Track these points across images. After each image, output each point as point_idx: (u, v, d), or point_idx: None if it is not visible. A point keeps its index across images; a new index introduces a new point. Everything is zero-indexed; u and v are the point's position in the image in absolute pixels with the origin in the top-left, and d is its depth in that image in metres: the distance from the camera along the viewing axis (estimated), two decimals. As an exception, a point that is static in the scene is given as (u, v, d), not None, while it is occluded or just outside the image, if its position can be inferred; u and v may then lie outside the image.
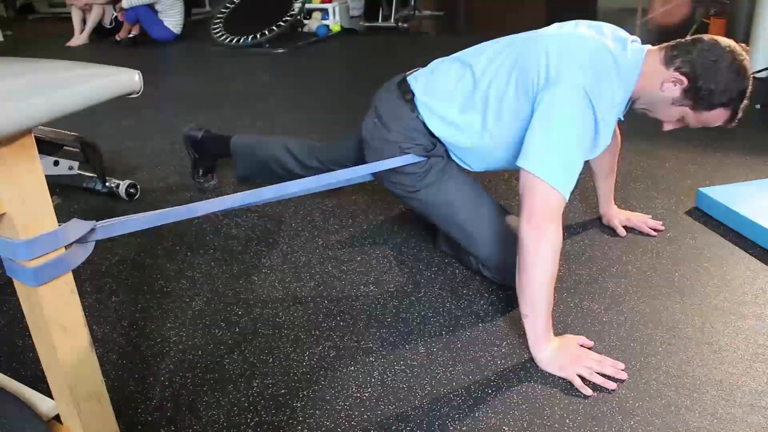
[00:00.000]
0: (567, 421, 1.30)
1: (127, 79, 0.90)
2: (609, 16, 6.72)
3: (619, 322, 1.61)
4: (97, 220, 1.10)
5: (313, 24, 6.49)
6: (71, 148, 2.30)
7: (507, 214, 1.78)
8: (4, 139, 0.81)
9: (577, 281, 1.80)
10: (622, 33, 1.65)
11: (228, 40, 5.76)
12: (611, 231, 2.07)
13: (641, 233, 2.05)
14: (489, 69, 1.65)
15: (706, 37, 1.55)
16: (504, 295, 1.74)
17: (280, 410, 1.36)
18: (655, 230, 2.06)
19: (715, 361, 1.46)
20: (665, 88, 1.56)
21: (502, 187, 2.42)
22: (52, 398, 1.11)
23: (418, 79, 1.79)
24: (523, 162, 1.47)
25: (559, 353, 1.45)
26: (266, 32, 5.68)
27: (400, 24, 6.61)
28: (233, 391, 1.42)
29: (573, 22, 1.70)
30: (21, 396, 1.18)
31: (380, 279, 1.84)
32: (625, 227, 2.07)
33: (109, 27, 6.55)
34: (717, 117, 1.58)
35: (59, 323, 0.95)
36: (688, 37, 1.57)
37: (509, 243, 1.67)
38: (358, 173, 1.76)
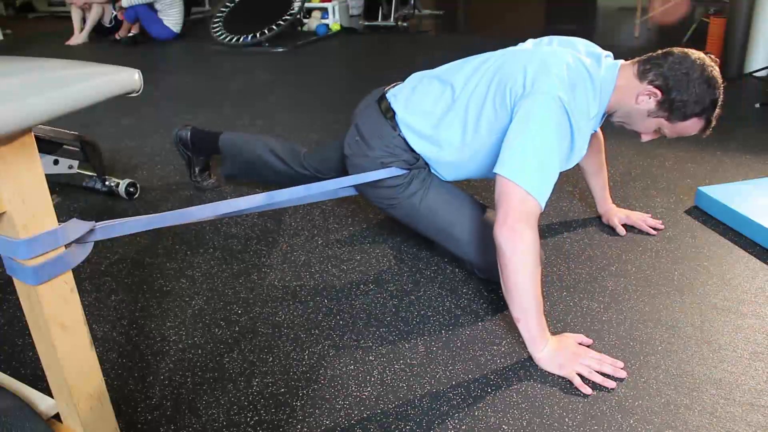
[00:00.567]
0: (566, 419, 1.30)
1: (127, 78, 0.90)
2: (608, 15, 6.72)
3: (618, 320, 1.61)
4: (96, 220, 1.10)
5: (312, 23, 6.48)
6: (71, 147, 2.30)
7: (489, 210, 1.79)
8: (4, 137, 0.81)
9: (577, 280, 1.80)
10: (596, 49, 1.71)
11: (228, 39, 5.76)
12: (610, 230, 2.07)
13: (641, 232, 2.05)
14: (468, 85, 1.69)
15: (676, 50, 1.61)
16: (503, 294, 1.73)
17: (280, 409, 1.36)
18: (654, 229, 2.06)
19: (714, 359, 1.47)
20: (640, 100, 1.61)
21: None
22: (52, 397, 1.11)
23: (398, 97, 1.81)
24: (499, 168, 1.49)
25: (558, 352, 1.45)
26: (266, 31, 5.68)
27: (399, 23, 6.60)
28: (233, 389, 1.42)
29: (547, 38, 1.78)
30: (21, 395, 1.19)
31: (380, 278, 1.84)
32: (624, 226, 2.07)
33: (108, 26, 6.54)
34: (692, 126, 1.64)
35: (59, 322, 0.95)
36: (659, 51, 1.63)
37: (492, 241, 1.68)
38: (345, 183, 1.77)
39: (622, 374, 1.41)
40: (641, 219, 2.08)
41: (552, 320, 1.62)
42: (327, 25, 6.38)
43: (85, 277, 1.90)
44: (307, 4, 6.39)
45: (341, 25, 6.46)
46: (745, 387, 1.38)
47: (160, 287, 1.84)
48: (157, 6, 6.15)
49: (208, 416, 1.35)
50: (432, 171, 1.83)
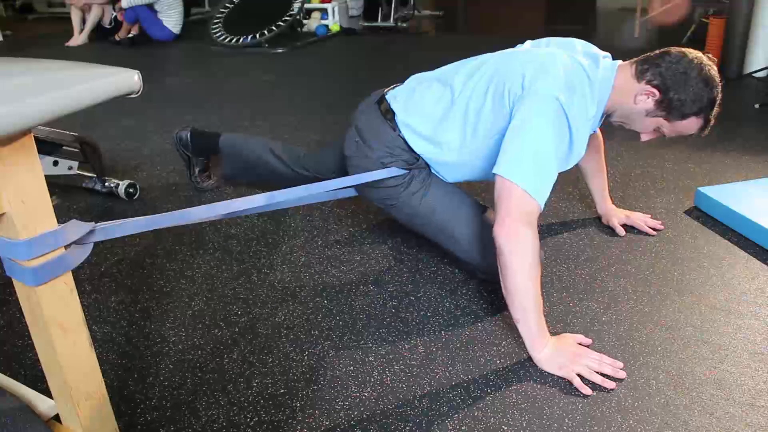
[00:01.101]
0: (566, 420, 1.30)
1: (127, 80, 0.90)
2: (608, 15, 6.72)
3: (618, 321, 1.62)
4: (96, 221, 1.10)
5: (312, 24, 6.48)
6: (70, 148, 2.30)
7: (491, 212, 1.79)
8: (4, 139, 0.81)
9: (576, 281, 1.80)
10: (593, 50, 1.72)
11: (227, 39, 5.76)
12: (610, 230, 2.07)
13: (640, 233, 2.06)
14: (467, 86, 1.69)
15: (673, 49, 1.62)
16: (502, 294, 1.73)
17: (280, 410, 1.36)
18: (654, 230, 2.06)
19: (714, 360, 1.47)
20: (638, 100, 1.62)
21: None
22: (52, 398, 1.11)
23: (397, 98, 1.81)
24: (498, 168, 1.49)
25: (557, 352, 1.45)
26: (265, 32, 5.68)
27: (399, 24, 6.61)
28: (233, 390, 1.42)
29: (545, 39, 1.78)
30: (20, 396, 1.19)
31: (379, 279, 1.84)
32: (624, 227, 2.07)
33: (108, 27, 6.54)
34: (690, 126, 1.64)
35: (59, 323, 0.95)
36: (657, 51, 1.63)
37: (492, 242, 1.69)
38: (345, 184, 1.78)
39: (622, 375, 1.42)
40: (641, 220, 2.08)
41: (552, 321, 1.62)
42: (326, 25, 6.38)
43: (85, 278, 1.90)
44: (306, 5, 6.39)
45: (341, 26, 6.47)
46: (745, 387, 1.38)
47: (160, 288, 1.84)
48: (157, 7, 6.15)
49: (208, 417, 1.35)
50: (432, 171, 1.83)
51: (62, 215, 2.33)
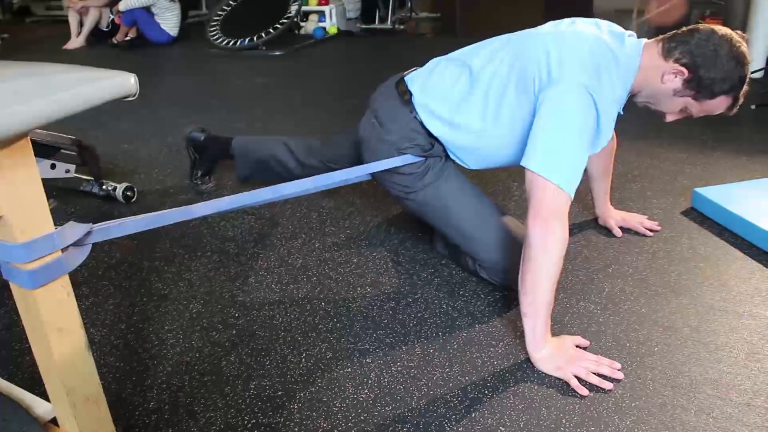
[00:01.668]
0: (563, 421, 1.30)
1: (123, 82, 0.90)
2: (605, 17, 6.69)
3: (615, 322, 1.62)
4: (93, 223, 1.10)
5: (309, 26, 6.49)
6: (68, 151, 2.30)
7: (505, 214, 1.78)
8: (1, 142, 0.81)
9: (574, 282, 1.80)
10: (618, 28, 1.66)
11: (225, 42, 5.76)
12: (607, 232, 2.08)
13: (637, 234, 2.06)
14: (487, 68, 1.65)
15: (702, 26, 1.56)
16: (500, 296, 1.74)
17: (277, 412, 1.36)
18: (651, 230, 2.06)
19: (711, 360, 1.47)
20: (666, 80, 1.57)
21: (499, 187, 2.42)
22: (49, 401, 1.11)
23: (415, 80, 1.79)
24: (528, 162, 1.47)
25: (555, 354, 1.45)
26: (263, 34, 5.68)
27: (396, 26, 6.61)
28: (230, 393, 1.42)
29: (569, 19, 1.71)
30: (17, 399, 1.19)
31: (377, 281, 1.84)
32: (621, 228, 2.07)
33: (106, 30, 6.55)
34: (719, 105, 1.59)
35: (56, 326, 0.95)
36: (685, 29, 1.58)
37: (507, 244, 1.68)
38: (355, 174, 1.76)
39: (620, 375, 1.42)
40: (637, 221, 2.08)
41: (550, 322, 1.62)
42: (324, 28, 6.39)
43: (83, 281, 1.90)
44: (303, 8, 6.40)
45: (338, 29, 6.48)
46: (742, 387, 1.38)
47: (158, 291, 1.84)
48: (154, 10, 6.16)
49: (206, 419, 1.35)
50: (452, 157, 1.80)
51: (59, 219, 2.32)
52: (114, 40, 6.28)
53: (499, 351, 1.53)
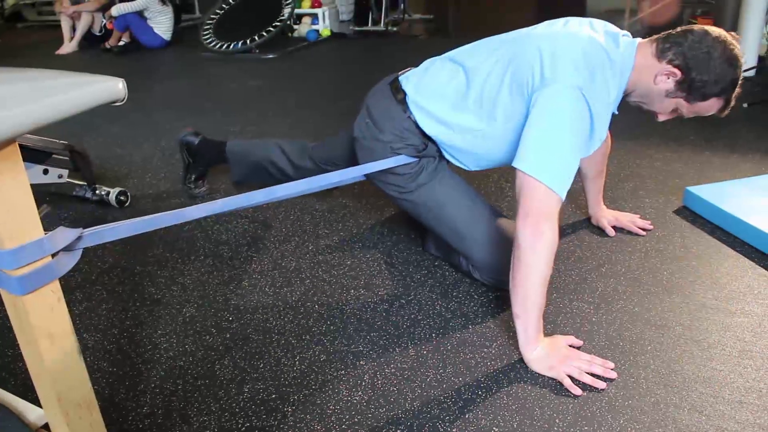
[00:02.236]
0: (557, 421, 1.31)
1: (111, 87, 0.90)
2: (597, 17, 6.71)
3: (608, 321, 1.62)
4: (84, 228, 1.10)
5: (303, 29, 6.49)
6: (60, 157, 2.29)
7: (499, 215, 1.78)
8: (-12, 148, 0.81)
9: (567, 281, 1.81)
10: (612, 28, 1.66)
11: (218, 45, 5.76)
12: (600, 231, 2.08)
13: (630, 233, 2.06)
14: (482, 69, 1.65)
15: (696, 27, 1.56)
16: (494, 296, 1.74)
17: (271, 415, 1.36)
18: (643, 229, 2.07)
19: (703, 358, 1.47)
20: (659, 80, 1.57)
21: (491, 188, 2.42)
22: (41, 407, 1.10)
23: (410, 79, 1.79)
24: (519, 163, 1.47)
25: (548, 354, 1.45)
26: (256, 38, 5.68)
27: (389, 28, 6.62)
28: (224, 396, 1.42)
29: (563, 19, 1.70)
30: (9, 405, 1.18)
31: (370, 283, 1.84)
32: (613, 227, 2.08)
33: (99, 34, 6.54)
34: (711, 106, 1.59)
35: (46, 331, 0.95)
36: (679, 29, 1.58)
37: (501, 244, 1.68)
38: (349, 175, 1.76)
39: (613, 375, 1.42)
40: (630, 220, 2.09)
41: (542, 322, 1.62)
42: (317, 30, 6.39)
43: (76, 286, 1.90)
44: (297, 10, 6.40)
45: (331, 31, 6.47)
46: (734, 385, 1.38)
47: (151, 295, 1.84)
48: (147, 14, 6.15)
49: (200, 423, 1.35)
50: (446, 156, 1.80)
51: (53, 224, 2.32)
52: (107, 45, 6.26)
53: (492, 352, 1.53)
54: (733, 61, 1.53)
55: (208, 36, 5.91)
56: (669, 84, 1.57)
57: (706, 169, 2.56)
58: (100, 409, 1.15)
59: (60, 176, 2.33)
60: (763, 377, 1.40)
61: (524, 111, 1.56)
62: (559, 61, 1.51)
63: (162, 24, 6.23)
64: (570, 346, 1.50)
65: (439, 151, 1.80)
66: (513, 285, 1.46)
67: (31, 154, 2.18)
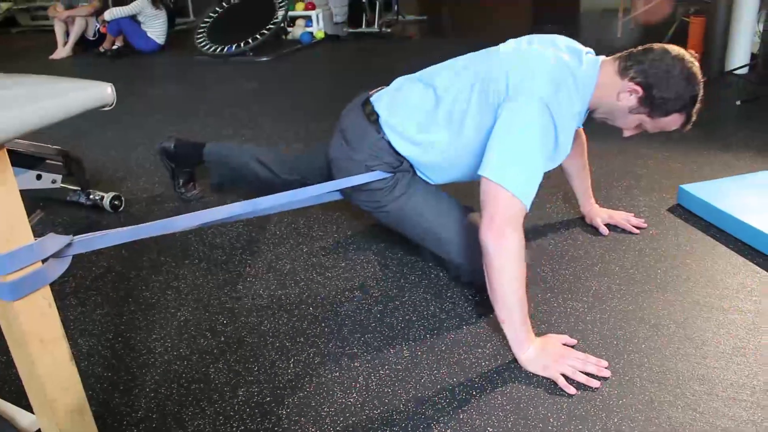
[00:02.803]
0: (551, 420, 1.31)
1: (100, 92, 0.90)
2: (591, 16, 6.77)
3: (602, 320, 1.62)
4: (74, 234, 1.10)
5: (296, 31, 6.49)
6: (54, 162, 2.29)
7: (474, 216, 1.79)
8: (-24, 155, 0.81)
9: (561, 281, 1.81)
10: (576, 45, 1.71)
11: (212, 49, 5.76)
12: (594, 230, 2.08)
13: (624, 231, 2.07)
14: (451, 88, 1.69)
15: (656, 46, 1.61)
16: (487, 297, 1.73)
17: (266, 418, 1.36)
18: (637, 228, 2.07)
19: (697, 356, 1.48)
20: (621, 97, 1.62)
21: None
22: (34, 413, 1.10)
23: (381, 100, 1.81)
24: (484, 171, 1.49)
25: (542, 353, 1.45)
26: (250, 41, 5.68)
27: (383, 29, 6.62)
28: (219, 400, 1.42)
29: (527, 38, 1.76)
30: (1, 411, 1.18)
31: (365, 284, 1.84)
32: (607, 226, 2.08)
33: (92, 39, 6.54)
34: (673, 122, 1.65)
35: (37, 337, 0.95)
36: (639, 48, 1.63)
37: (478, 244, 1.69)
38: (328, 189, 1.77)
39: (607, 373, 1.42)
40: (624, 218, 2.09)
41: (536, 321, 1.62)
42: (311, 33, 6.40)
43: (70, 291, 1.90)
44: (290, 13, 6.40)
45: (325, 33, 6.48)
46: (728, 382, 1.39)
47: (146, 300, 1.84)
48: (141, 18, 6.15)
49: (195, 427, 1.34)
50: (418, 174, 1.83)
51: (46, 229, 2.32)
52: (101, 49, 6.26)
53: (486, 352, 1.53)
54: (691, 78, 1.58)
55: (202, 39, 5.91)
56: (632, 101, 1.61)
57: (700, 167, 2.56)
58: (94, 414, 1.15)
59: (53, 181, 2.33)
60: (756, 374, 1.41)
61: (492, 125, 1.58)
62: (525, 77, 1.55)
63: (156, 28, 6.23)
64: (564, 344, 1.51)
65: (413, 166, 1.81)
66: (490, 291, 1.48)
67: (24, 160, 2.17)
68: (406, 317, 1.68)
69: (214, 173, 2.35)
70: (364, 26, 6.65)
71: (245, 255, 2.05)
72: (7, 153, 0.87)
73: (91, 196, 2.44)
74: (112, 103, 0.91)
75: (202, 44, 5.85)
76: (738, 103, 3.40)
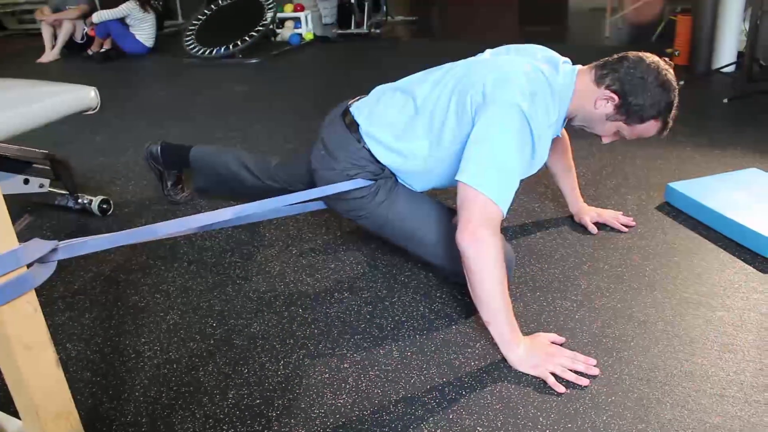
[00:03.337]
0: (541, 419, 1.31)
1: (83, 97, 0.90)
2: (580, 16, 6.79)
3: (591, 318, 1.63)
4: (62, 238, 1.10)
5: (285, 33, 6.49)
6: (41, 166, 2.28)
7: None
8: (-42, 159, 0.81)
9: (550, 280, 1.81)
10: (553, 55, 1.74)
11: (201, 51, 5.74)
12: (583, 229, 2.09)
13: (612, 230, 2.08)
14: (430, 97, 1.70)
15: (631, 54, 1.65)
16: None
17: (256, 420, 1.36)
18: (626, 226, 2.08)
19: (685, 353, 1.48)
20: (598, 105, 1.65)
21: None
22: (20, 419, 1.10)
23: (361, 109, 1.82)
24: (461, 176, 1.50)
25: (531, 352, 1.46)
26: (239, 43, 5.67)
27: (372, 30, 6.62)
28: (208, 403, 1.42)
29: (504, 47, 1.80)
30: (-11, 418, 1.17)
31: (354, 285, 1.84)
32: (596, 224, 2.09)
33: (80, 42, 6.50)
34: (649, 128, 1.68)
35: (23, 342, 0.95)
36: (615, 56, 1.66)
37: None
38: (311, 196, 1.76)
39: (595, 371, 1.43)
40: (613, 217, 2.10)
41: (525, 320, 1.63)
42: (300, 34, 6.39)
43: (59, 296, 1.89)
44: (279, 15, 6.39)
45: (314, 34, 6.47)
46: (716, 378, 1.40)
47: (135, 303, 1.83)
48: (129, 21, 6.12)
49: (184, 431, 1.34)
50: (400, 181, 1.83)
51: (35, 234, 2.31)
52: (89, 52, 6.23)
53: (476, 351, 1.53)
54: (666, 85, 1.62)
55: (190, 42, 5.90)
56: (608, 108, 1.65)
57: (688, 165, 2.58)
58: (83, 420, 1.15)
59: (41, 186, 2.32)
60: (744, 370, 1.42)
61: (469, 131, 1.59)
62: (501, 84, 1.57)
63: (144, 31, 6.21)
64: (552, 343, 1.51)
65: (394, 174, 1.82)
66: (473, 295, 1.48)
67: (11, 164, 2.16)
68: (396, 318, 1.68)
69: (198, 177, 2.34)
70: (353, 27, 6.64)
71: (234, 257, 2.05)
72: (-10, 157, 0.87)
73: (80, 200, 2.43)
74: (96, 107, 0.91)
75: (190, 47, 5.84)
76: (725, 101, 3.41)
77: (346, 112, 1.84)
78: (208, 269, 1.99)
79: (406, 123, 1.72)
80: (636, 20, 5.93)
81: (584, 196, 2.18)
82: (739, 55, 4.00)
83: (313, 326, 1.67)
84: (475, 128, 1.55)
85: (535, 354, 1.45)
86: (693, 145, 2.79)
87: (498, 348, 1.50)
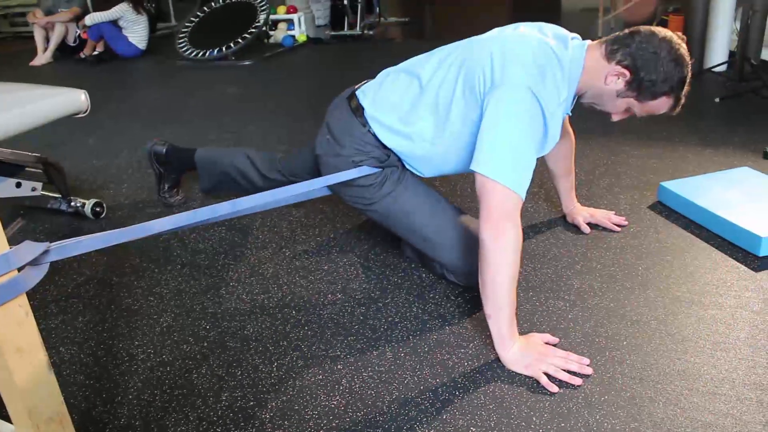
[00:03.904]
0: (534, 418, 1.31)
1: (73, 100, 0.89)
2: (572, 16, 6.80)
3: (584, 318, 1.63)
4: (50, 242, 1.09)
5: (278, 35, 6.48)
6: (33, 169, 2.27)
7: (465, 216, 1.79)
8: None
9: (543, 280, 1.82)
10: (562, 31, 1.69)
11: (194, 53, 5.74)
12: (575, 229, 2.10)
13: (605, 229, 2.08)
14: (435, 77, 1.68)
15: (643, 28, 1.59)
16: (470, 297, 1.75)
17: (249, 422, 1.36)
18: (618, 226, 2.09)
19: (678, 352, 1.49)
20: (609, 81, 1.60)
21: (468, 190, 2.43)
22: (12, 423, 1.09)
23: (366, 93, 1.81)
24: (476, 166, 1.49)
25: (524, 352, 1.46)
26: (232, 44, 5.67)
27: (365, 32, 6.63)
28: (202, 405, 1.41)
29: (513, 24, 1.74)
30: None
31: (347, 287, 1.85)
32: (589, 224, 2.09)
33: (73, 45, 6.48)
34: (661, 105, 1.62)
35: (15, 346, 0.95)
36: (627, 30, 1.61)
37: (469, 245, 1.69)
38: (314, 186, 1.76)
39: (588, 371, 1.43)
40: (605, 217, 2.11)
41: (518, 320, 1.63)
42: (293, 36, 6.39)
43: (51, 299, 1.88)
44: (272, 16, 6.39)
45: (307, 36, 6.47)
46: (708, 377, 1.40)
47: (128, 306, 1.83)
48: (122, 23, 6.11)
49: (177, 434, 1.34)
50: (407, 167, 1.82)
51: (28, 237, 2.30)
52: (81, 55, 6.22)
53: (469, 352, 1.53)
54: (679, 60, 1.56)
55: (183, 44, 5.89)
56: (619, 84, 1.60)
57: (680, 164, 2.59)
58: (76, 423, 1.15)
59: (34, 189, 2.31)
60: (736, 368, 1.42)
61: (478, 113, 1.58)
62: (509, 64, 1.53)
63: (137, 33, 6.20)
64: (546, 343, 1.52)
65: (400, 160, 1.81)
66: (482, 285, 1.47)
67: (3, 168, 2.15)
68: (389, 319, 1.68)
69: (203, 178, 2.33)
70: (346, 29, 6.65)
71: (228, 259, 2.05)
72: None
73: (73, 203, 2.42)
74: (87, 111, 0.91)
75: (183, 49, 5.83)
76: (717, 100, 3.43)
77: (352, 96, 1.83)
78: (202, 271, 1.98)
79: (411, 103, 1.70)
80: (628, 20, 5.95)
81: (577, 195, 2.18)
82: (731, 54, 4.02)
83: (306, 328, 1.66)
84: (486, 114, 1.52)
85: (528, 354, 1.46)
86: (685, 145, 2.80)
87: (491, 348, 1.51)
